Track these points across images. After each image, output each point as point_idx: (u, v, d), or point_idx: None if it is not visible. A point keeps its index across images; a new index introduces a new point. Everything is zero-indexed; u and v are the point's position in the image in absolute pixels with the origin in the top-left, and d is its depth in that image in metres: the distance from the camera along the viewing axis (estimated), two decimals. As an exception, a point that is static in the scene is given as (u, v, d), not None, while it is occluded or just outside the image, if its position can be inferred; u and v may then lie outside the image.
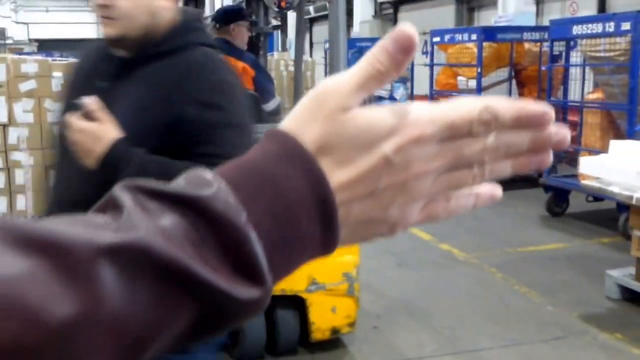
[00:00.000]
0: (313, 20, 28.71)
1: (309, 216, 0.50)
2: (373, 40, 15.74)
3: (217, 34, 5.28)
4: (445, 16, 16.89)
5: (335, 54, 4.38)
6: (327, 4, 5.91)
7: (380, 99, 14.77)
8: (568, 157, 8.01)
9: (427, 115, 0.52)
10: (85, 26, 51.06)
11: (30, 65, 6.65)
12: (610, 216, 7.66)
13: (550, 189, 8.38)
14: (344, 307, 4.42)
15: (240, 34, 5.31)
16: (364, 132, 0.52)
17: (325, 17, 26.80)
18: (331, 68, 4.35)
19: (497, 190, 0.59)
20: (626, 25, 7.09)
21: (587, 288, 5.96)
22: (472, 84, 9.92)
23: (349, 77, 0.53)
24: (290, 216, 0.50)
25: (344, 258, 4.35)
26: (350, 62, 14.91)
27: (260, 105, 4.87)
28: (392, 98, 14.90)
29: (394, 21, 21.30)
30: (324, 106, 0.52)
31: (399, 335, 5.04)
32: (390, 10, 21.56)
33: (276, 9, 5.72)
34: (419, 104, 0.53)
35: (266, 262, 0.49)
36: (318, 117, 0.52)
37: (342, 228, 0.52)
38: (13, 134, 6.71)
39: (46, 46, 41.70)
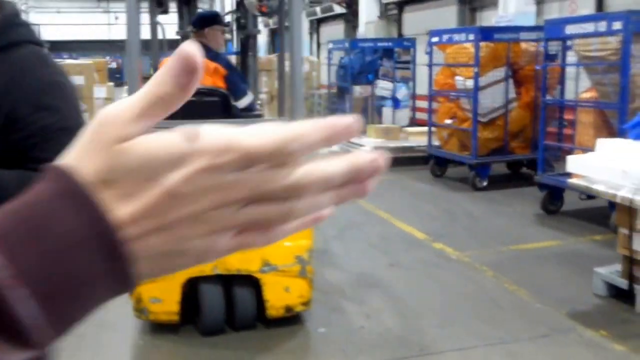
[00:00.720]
0: (320, 21, 28.79)
1: (91, 257, 0.47)
2: (377, 40, 15.82)
3: (194, 37, 5.51)
4: (449, 17, 16.92)
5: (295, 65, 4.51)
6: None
7: (382, 99, 14.85)
8: (563, 156, 8.07)
9: (222, 141, 0.48)
10: (96, 27, 51.24)
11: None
12: (604, 213, 7.70)
13: (545, 187, 8.43)
14: (297, 288, 4.76)
15: (215, 37, 5.62)
16: (147, 162, 0.48)
17: (332, 17, 26.89)
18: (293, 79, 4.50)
19: (325, 212, 0.54)
20: (617, 25, 7.12)
21: (577, 285, 6.01)
22: (470, 83, 9.97)
23: (130, 103, 0.49)
24: (67, 261, 0.46)
25: (297, 242, 4.63)
26: (354, 62, 15.05)
27: (230, 102, 5.06)
28: (394, 99, 14.96)
29: (399, 22, 21.34)
30: (103, 137, 0.48)
31: (384, 336, 5.12)
32: (395, 11, 21.57)
33: (258, 14, 5.90)
34: (215, 128, 0.49)
35: (38, 318, 0.45)
36: (98, 148, 0.48)
37: (141, 262, 0.49)
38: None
39: (58, 47, 41.85)
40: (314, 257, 4.93)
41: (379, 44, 14.94)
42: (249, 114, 5.20)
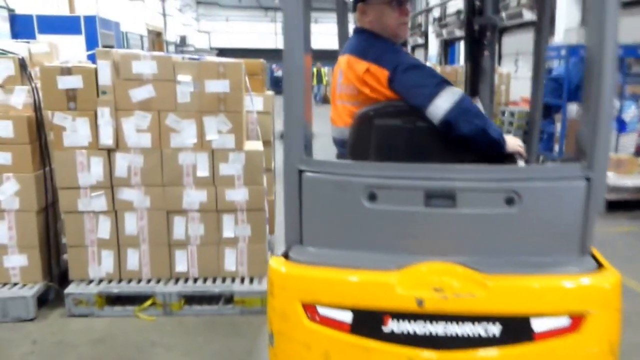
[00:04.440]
0: (502, 30, 25.67)
1: None
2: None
3: (357, 18, 3.01)
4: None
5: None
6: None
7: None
8: None
9: None
10: (263, 35, 51.21)
11: (146, 64, 4.54)
12: None
13: None
14: None
15: (380, 16, 2.87)
16: None
17: (518, 26, 23.69)
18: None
19: None
20: None
21: None
22: None
23: None
24: None
25: None
26: (573, 74, 12.07)
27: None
28: (619, 120, 11.77)
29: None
30: None
31: None
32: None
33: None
34: None
35: None
36: None
37: None
38: (121, 163, 4.64)
39: (226, 54, 41.46)
40: None
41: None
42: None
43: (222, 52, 39.53)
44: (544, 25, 3.60)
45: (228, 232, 4.86)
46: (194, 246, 4.87)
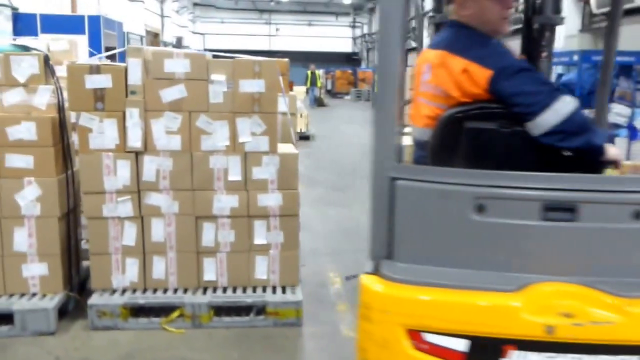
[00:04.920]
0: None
1: None
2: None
3: (454, 13, 2.76)
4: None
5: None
6: None
7: (616, 126, 11.54)
8: None
9: None
10: (258, 38, 51.00)
11: (179, 62, 4.29)
12: None
13: None
14: None
15: (480, 10, 2.63)
16: None
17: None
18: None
19: None
20: None
21: None
22: None
23: None
24: None
25: None
26: (585, 80, 11.87)
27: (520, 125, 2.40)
28: (631, 127, 11.61)
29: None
30: None
31: None
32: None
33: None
34: None
35: None
36: None
37: None
38: (149, 167, 4.39)
39: (220, 56, 41.31)
40: None
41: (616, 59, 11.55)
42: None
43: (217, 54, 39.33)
44: (614, 28, 3.40)
45: (259, 239, 4.62)
46: (223, 253, 4.62)
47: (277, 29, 52.81)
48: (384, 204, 2.17)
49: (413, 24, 35.95)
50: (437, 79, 2.60)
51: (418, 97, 2.77)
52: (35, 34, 12.13)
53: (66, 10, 16.56)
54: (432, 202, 2.12)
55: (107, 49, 12.52)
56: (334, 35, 51.74)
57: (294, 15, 52.19)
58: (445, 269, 2.11)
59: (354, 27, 53.10)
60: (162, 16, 34.02)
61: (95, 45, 12.44)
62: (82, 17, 14.46)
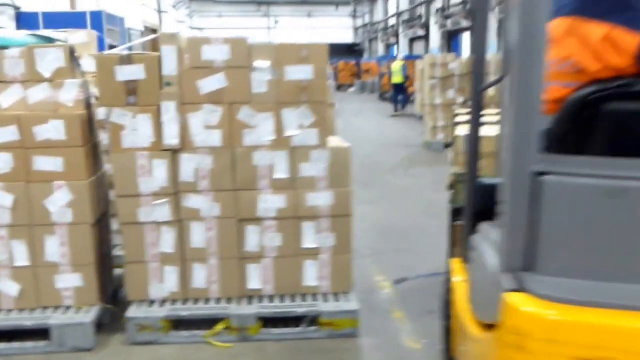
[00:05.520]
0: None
1: None
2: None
3: None
4: None
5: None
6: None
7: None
8: None
9: None
10: (256, 31, 50.46)
11: (218, 48, 3.87)
12: None
13: None
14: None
15: None
16: None
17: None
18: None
19: None
20: None
21: None
22: None
23: None
24: None
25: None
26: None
27: None
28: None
29: None
30: None
31: None
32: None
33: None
34: None
35: None
36: None
37: None
38: (188, 165, 3.98)
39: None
40: None
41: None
42: None
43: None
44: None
45: (309, 242, 4.22)
46: (269, 259, 4.22)
47: (275, 21, 52.30)
48: (524, 204, 1.76)
49: (419, 11, 35.52)
50: (564, 51, 2.18)
51: None
52: (39, 31, 11.75)
53: (65, 8, 16.18)
54: (594, 201, 1.70)
55: (110, 47, 12.12)
56: (334, 26, 51.18)
57: (292, 7, 51.66)
58: (617, 285, 1.70)
59: (354, 17, 52.52)
60: (160, 11, 33.53)
61: (97, 41, 12.05)
62: (84, 13, 14.08)
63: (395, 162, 11.39)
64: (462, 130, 4.65)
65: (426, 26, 33.77)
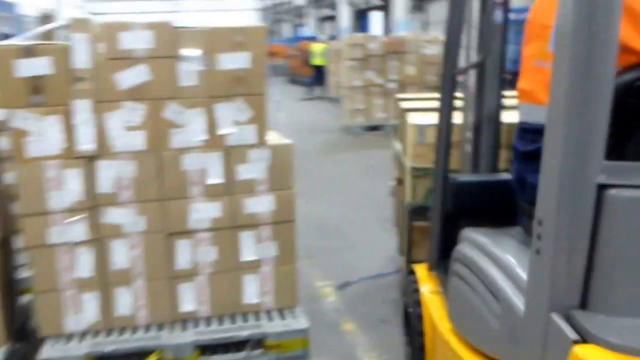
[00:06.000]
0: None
1: None
2: None
3: None
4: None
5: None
6: None
7: None
8: None
9: None
10: (161, 16, 49.03)
11: (139, 35, 3.28)
12: None
13: None
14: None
15: None
16: None
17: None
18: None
19: None
20: None
21: None
22: None
23: None
24: None
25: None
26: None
27: None
28: None
29: None
30: None
31: None
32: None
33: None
34: None
35: None
36: None
37: None
38: (107, 175, 3.39)
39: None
40: None
41: None
42: None
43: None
44: None
45: (248, 254, 3.71)
46: (204, 276, 3.69)
47: (179, 4, 50.98)
48: (583, 225, 1.32)
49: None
50: None
51: (540, 61, 1.90)
52: None
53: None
54: None
55: (5, 37, 11.15)
56: (237, 9, 50.22)
57: (195, -12, 50.42)
58: None
59: (258, -2, 51.80)
60: (55, -5, 31.88)
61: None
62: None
63: (316, 150, 10.96)
64: (419, 119, 4.21)
65: (333, 5, 33.50)
